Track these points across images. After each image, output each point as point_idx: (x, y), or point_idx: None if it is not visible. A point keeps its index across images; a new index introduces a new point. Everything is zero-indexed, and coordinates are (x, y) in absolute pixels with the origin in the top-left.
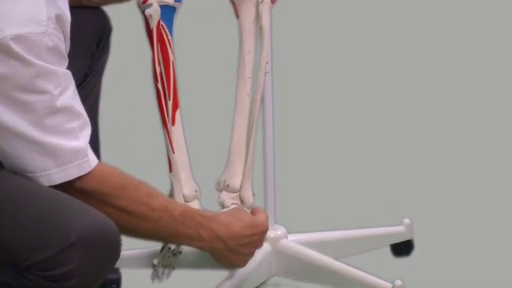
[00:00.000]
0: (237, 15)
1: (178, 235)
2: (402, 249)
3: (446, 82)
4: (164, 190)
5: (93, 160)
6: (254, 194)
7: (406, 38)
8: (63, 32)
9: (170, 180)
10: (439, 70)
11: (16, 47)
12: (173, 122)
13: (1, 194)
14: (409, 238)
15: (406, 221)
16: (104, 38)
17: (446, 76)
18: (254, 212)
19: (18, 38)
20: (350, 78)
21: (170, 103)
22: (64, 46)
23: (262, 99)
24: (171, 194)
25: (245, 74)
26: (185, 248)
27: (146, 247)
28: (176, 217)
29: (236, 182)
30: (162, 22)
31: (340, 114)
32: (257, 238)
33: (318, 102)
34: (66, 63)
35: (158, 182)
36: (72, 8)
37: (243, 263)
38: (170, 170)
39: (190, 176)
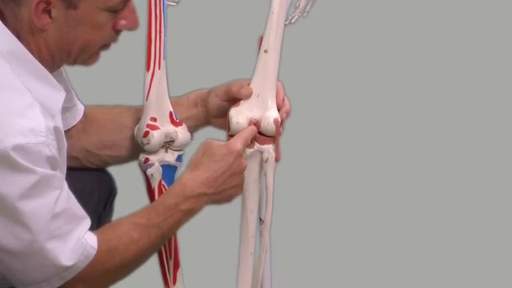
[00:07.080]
0: None
1: (172, 229)
2: None
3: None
4: None
5: (93, 242)
6: None
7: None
8: (58, 145)
9: None
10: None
11: (17, 157)
12: (174, 281)
13: None
14: None
15: None
16: (110, 200)
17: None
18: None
19: (18, 148)
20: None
21: (172, 262)
22: (59, 158)
23: None
24: None
25: (248, 233)
26: None
27: None
28: (158, 222)
29: None
30: (163, 182)
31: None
32: (234, 166)
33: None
34: (59, 171)
35: None
36: (79, 170)
37: (239, 191)
38: None
39: None
